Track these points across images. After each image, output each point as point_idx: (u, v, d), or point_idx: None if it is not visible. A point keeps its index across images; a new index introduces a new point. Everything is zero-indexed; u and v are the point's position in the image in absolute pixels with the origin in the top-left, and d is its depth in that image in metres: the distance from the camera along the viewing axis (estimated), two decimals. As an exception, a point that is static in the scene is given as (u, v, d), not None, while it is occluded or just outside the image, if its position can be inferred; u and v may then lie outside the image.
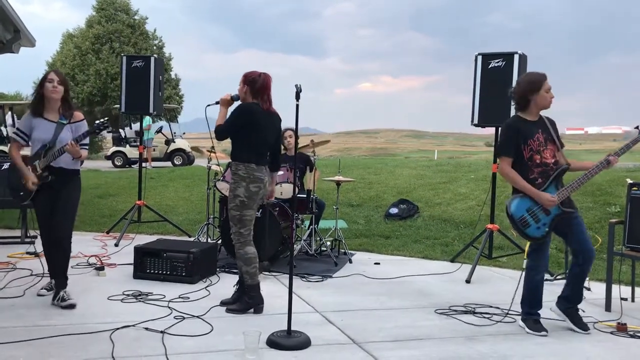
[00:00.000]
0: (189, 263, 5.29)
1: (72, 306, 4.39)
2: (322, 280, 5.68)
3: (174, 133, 21.45)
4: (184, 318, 4.24)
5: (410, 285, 5.61)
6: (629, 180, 5.08)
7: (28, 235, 6.89)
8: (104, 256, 6.30)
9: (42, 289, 4.75)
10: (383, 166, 13.16)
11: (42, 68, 34.98)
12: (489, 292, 5.41)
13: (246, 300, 4.49)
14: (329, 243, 6.80)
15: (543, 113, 4.28)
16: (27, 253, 6.22)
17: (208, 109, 4.57)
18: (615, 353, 3.88)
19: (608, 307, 4.86)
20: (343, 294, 5.18)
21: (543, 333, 4.15)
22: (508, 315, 4.48)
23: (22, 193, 4.46)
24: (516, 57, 5.95)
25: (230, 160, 4.77)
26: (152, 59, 7.49)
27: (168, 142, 20.92)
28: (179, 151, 20.85)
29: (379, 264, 6.51)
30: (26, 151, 4.59)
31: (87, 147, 4.52)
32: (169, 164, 20.32)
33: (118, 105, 8.06)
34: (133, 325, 4.01)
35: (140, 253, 5.45)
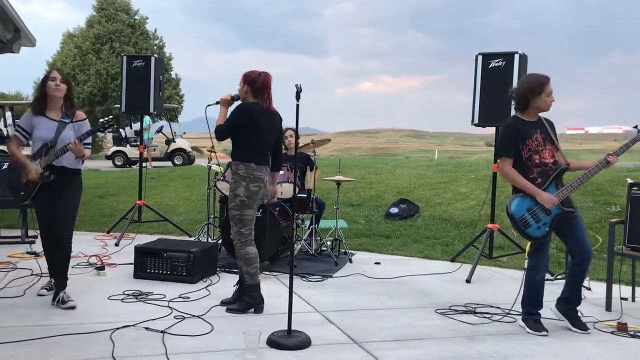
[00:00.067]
0: (190, 263, 5.29)
1: (71, 308, 4.38)
2: (323, 280, 5.68)
3: (175, 133, 21.46)
4: (184, 318, 4.24)
5: (411, 285, 5.61)
6: (630, 180, 5.07)
7: (28, 235, 6.89)
8: (105, 256, 6.30)
9: (42, 288, 4.75)
10: (383, 166, 13.16)
11: (42, 68, 34.99)
12: (489, 292, 5.41)
13: (246, 300, 4.49)
14: (329, 243, 6.80)
15: (542, 114, 4.29)
16: (28, 253, 6.22)
17: (208, 109, 4.58)
18: (615, 353, 3.88)
19: (608, 307, 4.86)
20: (343, 294, 5.18)
21: (543, 333, 4.15)
22: (508, 315, 4.48)
23: (22, 192, 4.43)
24: (516, 57, 5.96)
25: (230, 160, 4.77)
26: (153, 59, 7.49)
27: (168, 141, 20.93)
28: (180, 151, 20.87)
29: (379, 263, 6.51)
30: (26, 151, 4.58)
31: (90, 147, 4.52)
32: (169, 163, 20.33)
33: (118, 105, 8.06)
34: (133, 325, 4.01)
35: (141, 253, 5.45)
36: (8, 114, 18.34)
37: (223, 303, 4.63)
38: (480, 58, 6.14)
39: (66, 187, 4.45)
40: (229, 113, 4.52)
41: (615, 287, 4.86)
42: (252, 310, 4.48)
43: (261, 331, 3.66)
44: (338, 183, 6.97)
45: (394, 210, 8.88)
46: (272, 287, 5.25)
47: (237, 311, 4.46)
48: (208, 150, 6.72)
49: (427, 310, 4.72)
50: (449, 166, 12.67)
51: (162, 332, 3.90)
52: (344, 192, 9.70)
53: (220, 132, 4.47)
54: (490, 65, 6.08)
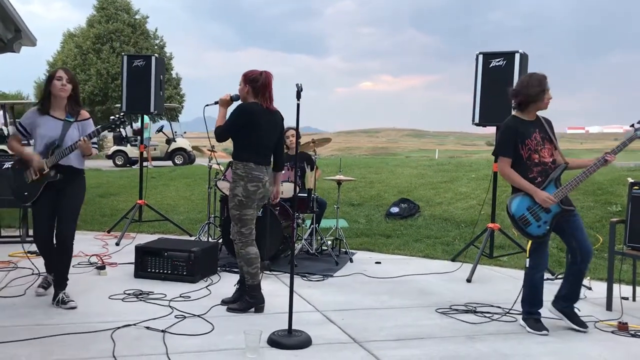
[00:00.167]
0: (190, 262, 5.29)
1: (72, 309, 4.38)
2: (323, 280, 5.68)
3: (175, 132, 21.47)
4: (185, 317, 4.24)
5: (411, 284, 5.61)
6: (630, 180, 5.07)
7: (29, 234, 6.89)
8: (105, 255, 6.30)
9: (39, 287, 4.70)
10: (384, 165, 13.15)
11: (43, 67, 35.05)
12: (489, 291, 5.41)
13: (247, 299, 4.49)
14: (329, 242, 6.80)
15: (540, 112, 4.30)
16: (28, 252, 6.22)
17: (206, 109, 4.57)
18: (616, 352, 3.88)
19: (609, 307, 4.86)
20: (344, 293, 5.18)
21: (544, 332, 4.15)
22: (509, 315, 4.48)
23: (26, 193, 4.39)
24: (517, 56, 5.95)
25: (231, 160, 4.77)
26: (153, 59, 7.49)
27: (169, 141, 20.95)
28: (180, 150, 20.88)
29: (379, 263, 6.51)
30: (27, 150, 4.57)
31: (96, 146, 4.50)
32: (169, 163, 20.34)
33: (119, 105, 8.06)
34: (134, 324, 4.02)
35: (141, 252, 5.45)
36: (9, 114, 18.35)
37: (224, 302, 4.63)
38: (481, 57, 6.15)
39: (69, 185, 4.43)
40: (228, 113, 4.51)
41: (615, 287, 4.85)
42: (253, 309, 4.48)
43: (262, 330, 3.67)
44: (339, 182, 6.97)
45: (395, 209, 8.88)
46: (272, 286, 5.25)
47: (237, 310, 4.46)
48: (208, 150, 6.72)
49: (428, 310, 4.72)
50: (449, 166, 12.66)
51: (162, 331, 3.90)
52: (344, 192, 9.70)
53: (220, 133, 4.46)
54: (491, 65, 6.08)
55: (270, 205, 5.74)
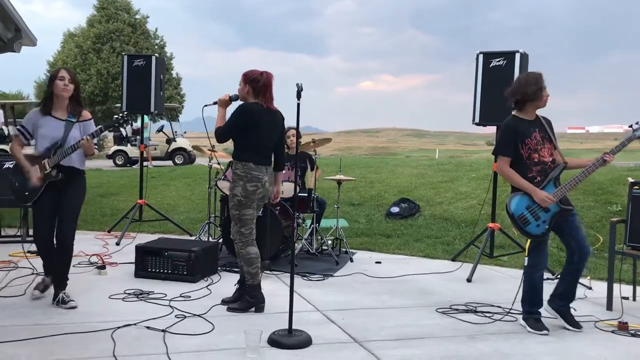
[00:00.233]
0: (190, 262, 5.29)
1: (72, 308, 4.38)
2: (323, 279, 5.68)
3: (175, 132, 21.48)
4: (185, 317, 4.24)
5: (412, 284, 5.61)
6: (630, 179, 5.07)
7: (29, 234, 6.89)
8: (106, 255, 6.30)
9: (35, 289, 4.59)
10: (384, 165, 13.15)
11: (43, 67, 35.09)
12: (490, 291, 5.41)
13: (247, 299, 4.49)
14: (330, 242, 6.80)
15: (541, 111, 4.32)
16: (29, 252, 6.21)
17: (206, 109, 4.56)
18: (616, 352, 3.88)
19: (609, 306, 4.86)
20: (344, 293, 5.18)
21: (544, 332, 4.15)
22: (509, 314, 4.48)
23: (27, 193, 4.38)
24: (517, 56, 5.95)
25: (231, 159, 4.76)
26: (154, 58, 7.49)
27: (169, 141, 20.96)
28: (180, 150, 20.89)
29: (380, 262, 6.51)
30: (28, 150, 4.57)
31: (96, 147, 4.50)
32: (170, 163, 20.35)
33: (119, 105, 8.06)
34: (134, 324, 4.02)
35: (142, 252, 5.45)
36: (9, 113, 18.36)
37: (224, 302, 4.63)
38: (481, 57, 6.15)
39: (70, 185, 4.43)
40: (227, 113, 4.50)
41: (616, 286, 4.85)
42: (253, 309, 4.48)
43: (262, 330, 3.67)
44: (339, 182, 6.97)
45: (395, 209, 8.88)
46: (273, 286, 5.25)
47: (238, 310, 4.46)
48: (209, 150, 6.72)
49: (428, 310, 4.72)
50: (449, 165, 12.66)
51: (163, 331, 3.90)
52: (344, 192, 9.70)
53: (221, 134, 4.45)
54: (492, 65, 6.08)
55: (271, 205, 5.74)
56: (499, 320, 4.45)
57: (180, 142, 21.06)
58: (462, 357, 3.70)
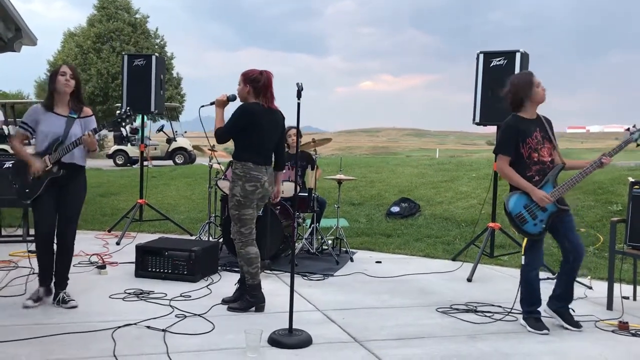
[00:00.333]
0: (191, 261, 5.29)
1: (73, 308, 4.37)
2: (324, 279, 5.68)
3: (176, 132, 21.50)
4: (185, 316, 4.24)
5: (412, 283, 5.61)
6: (631, 179, 5.07)
7: (29, 233, 6.89)
8: (106, 255, 6.30)
9: (28, 299, 4.40)
10: (384, 165, 13.16)
11: (43, 67, 35.12)
12: (490, 290, 5.41)
13: (248, 298, 4.49)
14: (330, 241, 6.80)
15: (541, 111, 4.33)
16: (29, 252, 6.21)
17: (205, 109, 4.55)
18: (616, 352, 3.88)
19: (610, 306, 4.85)
20: (344, 293, 5.18)
21: (545, 332, 4.15)
22: (510, 314, 4.48)
23: (27, 190, 4.34)
24: (518, 56, 5.95)
25: (231, 159, 4.76)
26: (154, 58, 7.48)
27: (169, 140, 20.97)
28: (181, 150, 20.91)
29: (380, 262, 6.51)
30: (29, 149, 4.56)
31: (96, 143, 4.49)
32: (170, 162, 20.36)
33: (120, 105, 8.06)
34: (135, 324, 4.02)
35: (142, 251, 5.45)
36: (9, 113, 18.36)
37: (224, 302, 4.63)
38: (481, 57, 6.14)
39: (73, 183, 4.42)
40: (226, 113, 4.50)
41: (616, 286, 4.85)
42: (254, 309, 4.48)
43: (262, 330, 3.67)
44: (339, 182, 6.97)
45: (395, 209, 8.88)
46: (273, 285, 5.25)
47: (238, 310, 4.46)
48: (209, 149, 6.72)
49: (429, 309, 4.72)
50: (450, 165, 12.67)
51: (163, 330, 3.90)
52: (345, 191, 9.70)
53: (221, 135, 4.43)
54: (492, 64, 6.08)
55: (271, 204, 5.74)
56: (499, 320, 4.45)
57: (181, 141, 21.07)
58: (463, 356, 3.70)
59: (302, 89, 3.91)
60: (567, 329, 4.26)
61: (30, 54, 14.63)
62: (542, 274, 5.51)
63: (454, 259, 6.67)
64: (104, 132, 24.54)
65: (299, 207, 6.43)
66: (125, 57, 7.55)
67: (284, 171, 5.79)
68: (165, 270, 5.36)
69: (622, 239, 5.06)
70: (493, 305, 4.81)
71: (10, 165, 5.38)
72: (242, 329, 3.66)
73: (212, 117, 4.59)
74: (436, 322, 4.38)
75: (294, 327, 3.86)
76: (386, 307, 4.78)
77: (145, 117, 8.23)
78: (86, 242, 6.80)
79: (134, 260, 5.51)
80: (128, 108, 4.57)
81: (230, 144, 4.58)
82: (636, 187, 4.90)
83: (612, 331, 4.27)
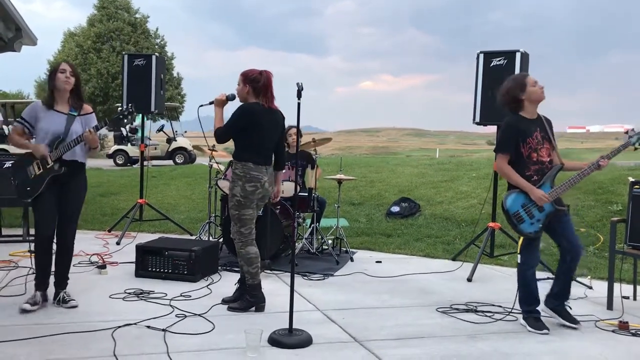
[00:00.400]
0: (191, 261, 5.29)
1: (73, 307, 4.37)
2: (324, 279, 5.68)
3: (176, 132, 21.51)
4: (185, 316, 4.24)
5: (412, 283, 5.61)
6: (631, 179, 5.07)
7: (30, 233, 6.89)
8: (106, 254, 6.30)
9: (25, 303, 4.28)
10: (384, 164, 13.16)
11: (43, 67, 35.12)
12: (490, 290, 5.41)
13: (248, 298, 4.49)
14: (330, 241, 6.80)
15: (541, 111, 4.34)
16: (30, 252, 6.22)
17: (204, 108, 4.55)
18: (616, 351, 3.88)
19: (610, 306, 4.85)
20: (344, 292, 5.18)
21: (545, 331, 4.15)
22: (510, 314, 4.48)
23: (28, 188, 4.30)
24: (518, 55, 5.95)
25: (231, 159, 4.76)
26: (154, 58, 7.48)
27: (170, 140, 20.98)
28: (181, 149, 20.92)
29: (380, 262, 6.51)
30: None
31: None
32: (170, 162, 20.37)
33: (120, 105, 8.05)
34: (135, 324, 4.02)
35: (142, 251, 5.45)
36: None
37: (224, 302, 4.63)
38: (482, 56, 6.14)
39: (74, 180, 4.40)
40: (226, 113, 4.49)
41: (616, 286, 4.85)
42: (254, 308, 4.48)
43: (262, 330, 3.67)
44: (339, 182, 6.97)
45: (395, 208, 8.88)
46: (273, 285, 5.25)
47: (238, 310, 4.46)
48: (209, 149, 6.72)
49: (429, 309, 4.72)
50: (450, 165, 12.67)
51: (163, 330, 3.90)
52: (345, 191, 9.70)
53: (221, 135, 4.43)
54: (492, 64, 6.08)
55: (271, 204, 5.74)
56: (499, 319, 4.45)
57: (181, 141, 21.08)
58: (463, 356, 3.70)
59: (302, 89, 3.91)
60: (565, 326, 4.26)
61: (31, 54, 14.65)
62: (543, 274, 5.53)
63: (454, 259, 6.67)
64: (104, 132, 24.59)
65: (299, 207, 6.43)
66: (126, 57, 7.55)
67: (284, 171, 5.79)
68: (166, 270, 5.36)
69: (622, 239, 5.06)
70: (493, 305, 4.81)
71: (11, 165, 5.36)
72: (242, 329, 3.66)
73: (212, 116, 4.59)
74: (436, 322, 4.38)
75: (294, 327, 3.86)
76: (386, 307, 4.78)
77: (145, 117, 8.21)
78: (86, 242, 6.80)
79: (134, 260, 5.51)
80: (130, 105, 4.56)
81: (230, 144, 4.57)
82: (636, 186, 4.90)
83: (612, 331, 4.27)
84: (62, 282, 4.50)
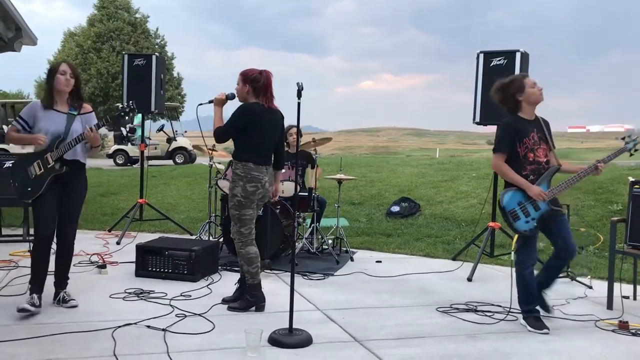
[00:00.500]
0: (191, 261, 5.29)
1: (73, 307, 4.37)
2: (324, 278, 5.68)
3: (176, 131, 21.51)
4: (185, 316, 4.25)
5: (412, 283, 5.61)
6: (631, 179, 5.08)
7: (30, 233, 6.89)
8: (106, 254, 6.30)
9: (25, 304, 4.18)
10: (384, 164, 13.16)
11: (43, 66, 35.09)
12: (490, 290, 5.41)
13: (248, 298, 4.49)
14: (330, 241, 6.80)
15: (542, 111, 4.37)
16: (30, 251, 6.21)
17: (203, 108, 4.56)
18: (616, 351, 3.88)
19: (610, 305, 4.85)
20: (344, 292, 5.18)
21: (545, 331, 4.15)
22: (510, 314, 4.48)
23: (29, 189, 4.28)
24: (518, 55, 5.95)
25: (231, 159, 4.76)
26: (154, 57, 7.48)
27: (170, 140, 20.98)
28: (181, 149, 20.92)
29: (380, 262, 6.51)
30: (28, 149, 4.54)
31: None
32: (170, 162, 20.37)
33: (120, 104, 8.05)
34: (135, 323, 4.02)
35: (142, 251, 5.45)
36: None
37: (224, 301, 4.63)
38: (482, 56, 6.15)
39: (76, 179, 4.40)
40: (226, 112, 4.49)
41: (616, 286, 4.85)
42: (254, 308, 4.48)
43: (262, 329, 3.67)
44: (339, 181, 6.97)
45: (395, 208, 8.88)
46: (273, 285, 5.25)
47: (238, 309, 4.46)
48: (209, 149, 6.72)
49: (429, 309, 4.72)
50: (450, 164, 12.67)
51: (163, 330, 3.90)
52: (345, 191, 9.70)
53: (220, 134, 4.43)
54: (492, 64, 6.08)
55: (271, 204, 5.74)
56: (499, 319, 4.45)
57: (181, 141, 21.09)
58: (463, 356, 3.70)
59: (302, 89, 3.91)
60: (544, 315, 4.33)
61: (31, 54, 14.65)
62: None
63: (454, 259, 6.67)
64: (104, 131, 24.58)
65: (299, 207, 6.43)
66: (126, 57, 7.55)
67: (284, 170, 5.79)
68: (166, 270, 5.36)
69: (622, 239, 5.06)
70: (493, 305, 4.81)
71: (11, 165, 5.35)
72: (242, 329, 3.66)
73: (212, 116, 4.59)
74: (436, 322, 4.38)
75: (294, 326, 3.86)
76: (386, 307, 4.78)
77: (145, 117, 8.20)
78: (86, 242, 6.80)
79: (134, 259, 5.51)
80: (131, 102, 4.55)
81: (230, 144, 4.57)
82: (636, 186, 4.91)
83: (612, 331, 4.27)
84: (62, 282, 4.49)
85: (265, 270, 5.65)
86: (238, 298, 4.60)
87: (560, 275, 5.68)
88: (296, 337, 3.79)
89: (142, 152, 8.02)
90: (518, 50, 5.97)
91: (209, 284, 5.20)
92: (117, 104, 23.91)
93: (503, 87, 4.35)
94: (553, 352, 3.82)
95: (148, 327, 3.97)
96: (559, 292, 5.28)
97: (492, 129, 6.26)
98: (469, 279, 5.76)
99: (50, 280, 4.48)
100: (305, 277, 5.66)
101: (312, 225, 6.58)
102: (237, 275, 4.90)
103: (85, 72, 32.74)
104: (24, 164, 4.34)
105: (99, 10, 35.29)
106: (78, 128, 4.32)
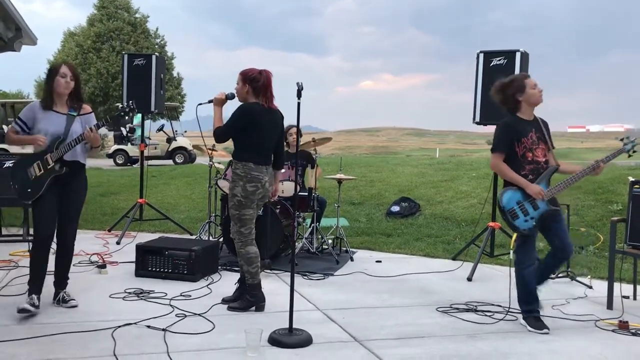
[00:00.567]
0: (191, 261, 5.29)
1: (73, 307, 4.37)
2: (324, 278, 5.68)
3: (176, 131, 21.52)
4: (185, 316, 4.25)
5: (412, 283, 5.61)
6: (631, 178, 5.08)
7: (30, 233, 6.89)
8: (106, 254, 6.30)
9: (25, 304, 4.15)
10: (384, 164, 13.16)
11: (43, 66, 35.09)
12: (490, 290, 5.41)
13: (248, 298, 4.49)
14: (330, 241, 6.79)
15: (541, 111, 4.38)
16: (30, 251, 6.21)
17: (203, 107, 4.56)
18: (616, 351, 3.88)
19: (610, 305, 4.85)
20: (344, 292, 5.18)
21: (545, 331, 4.15)
22: (509, 313, 4.48)
23: (29, 190, 4.27)
24: (518, 55, 5.95)
25: (231, 159, 4.75)
26: (154, 57, 7.48)
27: (170, 140, 20.98)
28: (181, 149, 20.93)
29: (380, 261, 6.51)
30: (28, 149, 4.54)
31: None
32: (170, 162, 20.38)
33: (120, 104, 8.05)
34: (135, 323, 4.02)
35: (142, 251, 5.45)
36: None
37: (224, 301, 4.63)
38: (482, 56, 6.15)
39: (76, 180, 4.39)
40: (226, 112, 4.49)
41: (616, 285, 4.85)
42: (254, 308, 4.48)
43: (262, 329, 3.67)
44: (339, 181, 6.97)
45: (395, 208, 8.88)
46: (273, 285, 5.25)
47: (238, 309, 4.46)
48: (209, 149, 6.72)
49: (429, 309, 4.72)
50: (450, 164, 12.67)
51: (163, 330, 3.90)
52: (345, 191, 9.70)
53: (220, 134, 4.43)
54: (492, 64, 6.08)
55: (271, 204, 5.74)
56: (499, 319, 4.45)
57: (181, 141, 21.10)
58: (462, 356, 3.70)
59: (302, 89, 3.91)
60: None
61: (31, 54, 14.66)
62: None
63: (454, 259, 6.67)
64: (104, 131, 24.59)
65: (299, 207, 6.42)
66: (126, 57, 7.55)
67: (283, 170, 5.79)
68: (166, 270, 5.36)
69: (622, 239, 5.06)
70: (493, 305, 4.81)
71: (11, 166, 5.34)
72: (242, 329, 3.66)
73: (212, 116, 4.59)
74: (436, 322, 4.38)
75: (294, 326, 3.86)
76: (386, 307, 4.78)
77: (144, 117, 8.20)
78: (86, 242, 6.80)
79: (134, 259, 5.51)
80: (131, 102, 4.54)
81: (230, 144, 4.57)
82: (636, 186, 4.90)
83: (612, 330, 4.27)
84: (62, 282, 4.49)
85: (265, 270, 5.65)
86: (238, 298, 4.60)
87: (561, 275, 5.71)
88: (296, 337, 3.79)
89: (142, 152, 8.02)
90: (518, 50, 5.97)
91: (208, 284, 5.20)
92: (117, 104, 23.92)
93: (503, 87, 4.35)
94: (553, 352, 3.82)
95: (148, 327, 3.97)
96: (559, 292, 5.29)
97: (492, 128, 6.25)
98: (469, 279, 5.76)
99: (50, 280, 4.48)
100: (305, 277, 5.66)
101: (312, 225, 6.58)
102: (237, 275, 4.90)
103: (85, 72, 32.73)
104: (23, 165, 4.33)
105: (98, 10, 35.28)
106: (78, 129, 4.31)
